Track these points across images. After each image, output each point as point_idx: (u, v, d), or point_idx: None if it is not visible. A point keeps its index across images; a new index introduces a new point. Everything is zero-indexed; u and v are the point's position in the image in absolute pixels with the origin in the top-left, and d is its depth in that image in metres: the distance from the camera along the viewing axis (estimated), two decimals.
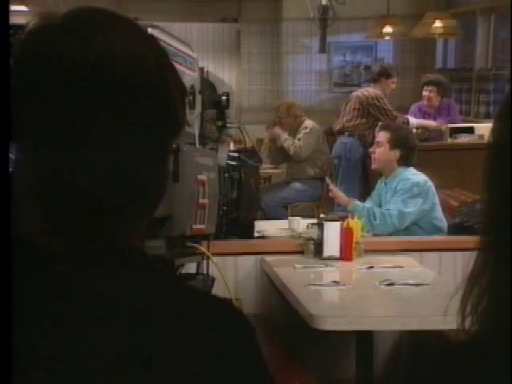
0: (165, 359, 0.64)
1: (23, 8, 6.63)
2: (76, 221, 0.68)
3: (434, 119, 5.80)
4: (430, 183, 3.44)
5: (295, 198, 5.48)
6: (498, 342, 0.63)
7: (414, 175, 3.49)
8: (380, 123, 3.90)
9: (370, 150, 3.69)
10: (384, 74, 5.58)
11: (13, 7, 6.39)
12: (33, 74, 0.67)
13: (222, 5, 8.32)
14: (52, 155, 0.67)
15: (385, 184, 3.58)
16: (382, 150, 3.56)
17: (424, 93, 5.82)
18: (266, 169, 6.12)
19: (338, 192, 3.78)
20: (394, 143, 3.52)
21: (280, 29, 7.93)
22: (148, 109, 0.70)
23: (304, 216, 4.00)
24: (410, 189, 3.40)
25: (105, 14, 0.73)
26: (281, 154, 5.52)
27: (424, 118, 5.89)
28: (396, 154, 3.52)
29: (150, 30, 1.42)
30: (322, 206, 5.55)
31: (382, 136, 3.60)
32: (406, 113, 6.04)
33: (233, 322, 0.70)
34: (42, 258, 0.67)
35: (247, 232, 3.01)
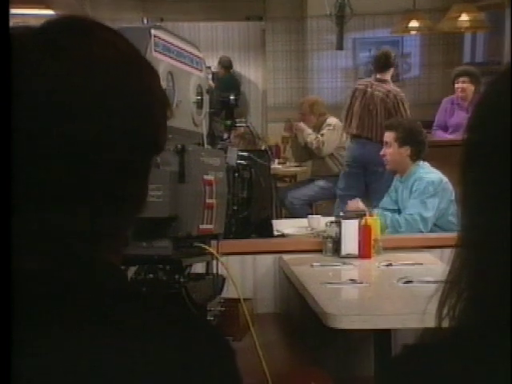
0: (141, 378, 0.64)
1: (50, 12, 6.73)
2: (51, 237, 0.67)
3: (467, 112, 5.70)
4: (446, 180, 3.39)
5: (320, 195, 5.46)
6: (477, 340, 0.62)
7: (429, 173, 3.43)
8: (384, 123, 3.80)
9: (381, 152, 3.61)
10: (393, 59, 5.08)
11: (39, 11, 6.47)
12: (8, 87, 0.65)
13: (246, 3, 8.33)
14: (26, 170, 0.66)
15: (400, 182, 3.54)
16: (391, 150, 3.51)
17: (457, 85, 5.68)
18: (291, 167, 6.13)
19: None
20: (402, 140, 3.46)
21: (305, 26, 7.92)
22: (124, 127, 0.69)
23: (329, 214, 3.98)
24: (426, 188, 3.34)
25: (81, 28, 0.71)
26: (305, 152, 5.51)
27: (456, 111, 5.81)
28: (407, 150, 3.46)
29: (153, 32, 1.43)
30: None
31: (388, 136, 3.54)
32: (436, 107, 5.94)
33: (211, 342, 0.70)
34: (19, 274, 0.66)
35: (267, 230, 3.01)
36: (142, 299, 0.72)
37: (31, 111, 0.65)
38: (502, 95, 0.62)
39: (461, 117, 5.69)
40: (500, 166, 0.60)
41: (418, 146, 3.47)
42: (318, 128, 5.44)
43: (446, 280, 0.65)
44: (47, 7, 6.41)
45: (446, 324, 0.66)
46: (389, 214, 3.40)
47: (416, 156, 3.46)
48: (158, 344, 0.66)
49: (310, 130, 5.40)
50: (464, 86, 5.63)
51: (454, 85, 5.75)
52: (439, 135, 5.79)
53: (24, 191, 0.66)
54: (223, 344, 0.70)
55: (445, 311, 0.65)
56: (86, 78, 0.66)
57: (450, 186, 3.39)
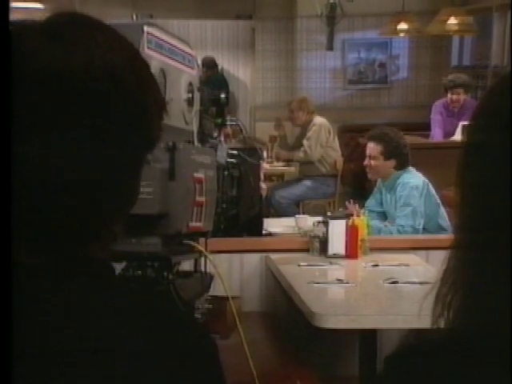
0: (128, 372, 0.65)
1: (38, 5, 6.69)
2: (47, 233, 0.68)
3: (458, 118, 5.74)
4: (428, 183, 3.42)
5: (306, 195, 5.48)
6: (473, 339, 0.62)
7: (412, 178, 3.44)
8: (369, 133, 3.70)
9: (364, 163, 3.59)
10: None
11: (28, 4, 6.44)
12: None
13: (236, 2, 8.33)
14: (24, 167, 0.66)
15: (383, 185, 3.56)
16: (377, 163, 3.51)
17: (452, 96, 5.74)
18: (278, 166, 6.14)
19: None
20: (388, 154, 3.47)
21: (294, 26, 7.92)
22: (121, 123, 0.69)
23: (316, 214, 3.98)
24: (411, 193, 3.36)
25: (87, 22, 0.71)
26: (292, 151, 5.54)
27: (448, 115, 5.85)
28: (392, 163, 3.48)
29: (146, 28, 1.43)
30: (334, 204, 5.55)
31: (373, 149, 3.51)
32: (424, 109, 5.96)
33: (195, 337, 0.70)
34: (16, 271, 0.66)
35: (256, 229, 3.01)
36: (129, 295, 0.72)
37: (32, 99, 0.65)
38: (501, 100, 0.63)
39: (450, 122, 5.74)
40: (498, 168, 0.61)
41: (404, 158, 3.49)
42: (305, 126, 5.47)
43: (441, 280, 0.66)
44: (36, 1, 6.39)
45: (440, 324, 0.66)
46: (381, 226, 3.38)
47: (400, 166, 3.48)
48: (143, 340, 0.66)
49: (292, 153, 5.48)
50: (459, 98, 5.71)
51: (446, 91, 5.79)
52: (438, 136, 5.83)
53: (22, 187, 0.66)
54: (207, 340, 0.71)
55: (439, 311, 0.66)
56: (86, 68, 0.67)
57: (432, 189, 3.42)
